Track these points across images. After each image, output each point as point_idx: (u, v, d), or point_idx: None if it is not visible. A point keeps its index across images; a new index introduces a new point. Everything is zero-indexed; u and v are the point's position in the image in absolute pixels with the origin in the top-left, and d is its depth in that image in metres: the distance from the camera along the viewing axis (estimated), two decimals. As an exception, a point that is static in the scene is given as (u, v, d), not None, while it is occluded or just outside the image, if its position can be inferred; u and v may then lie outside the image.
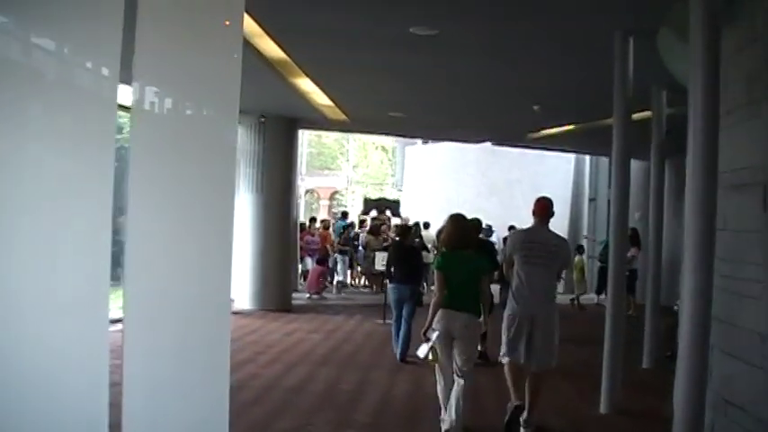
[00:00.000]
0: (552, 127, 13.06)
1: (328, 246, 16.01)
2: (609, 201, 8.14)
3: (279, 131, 12.94)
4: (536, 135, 13.93)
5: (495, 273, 7.76)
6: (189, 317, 3.97)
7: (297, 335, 10.25)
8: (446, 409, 5.56)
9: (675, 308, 9.07)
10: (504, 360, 5.77)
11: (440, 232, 14.23)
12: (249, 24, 7.27)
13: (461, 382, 5.45)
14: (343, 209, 25.94)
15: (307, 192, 42.40)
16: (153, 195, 3.70)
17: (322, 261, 15.16)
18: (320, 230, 16.54)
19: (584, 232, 17.60)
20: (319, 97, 11.13)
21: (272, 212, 12.85)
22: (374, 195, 30.77)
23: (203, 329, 4.14)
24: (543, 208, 5.88)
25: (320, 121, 13.43)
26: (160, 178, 3.77)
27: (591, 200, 18.67)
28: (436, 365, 5.64)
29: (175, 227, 3.89)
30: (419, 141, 27.30)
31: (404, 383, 7.50)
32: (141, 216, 3.65)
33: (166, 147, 3.86)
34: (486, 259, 6.04)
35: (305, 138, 38.51)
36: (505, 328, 5.73)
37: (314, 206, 41.07)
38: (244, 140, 12.81)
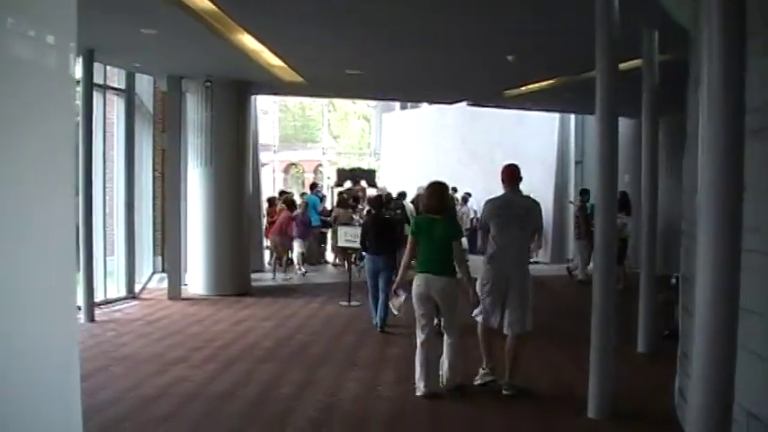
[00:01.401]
0: (531, 82, 11.83)
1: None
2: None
3: (228, 97, 11.52)
4: (514, 92, 12.69)
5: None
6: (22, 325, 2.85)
7: (247, 323, 9.10)
8: (422, 373, 5.84)
9: (673, 280, 8.08)
10: (479, 319, 6.08)
11: (413, 201, 13.26)
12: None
13: (449, 340, 5.94)
14: (314, 182, 24.61)
15: (291, 165, 41.34)
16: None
17: (291, 204, 13.91)
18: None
19: (571, 197, 16.42)
20: (268, 57, 9.89)
21: (225, 188, 11.51)
22: (356, 165, 29.46)
23: (44, 340, 3.03)
24: (511, 174, 6.13)
25: (275, 85, 12.04)
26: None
27: (577, 162, 17.55)
28: (417, 328, 5.97)
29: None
30: (397, 107, 26.07)
31: (353, 384, 6.34)
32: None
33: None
34: (457, 224, 6.41)
35: (276, 108, 37.41)
36: (480, 292, 6.00)
37: (299, 180, 40.14)
38: (189, 108, 11.53)
